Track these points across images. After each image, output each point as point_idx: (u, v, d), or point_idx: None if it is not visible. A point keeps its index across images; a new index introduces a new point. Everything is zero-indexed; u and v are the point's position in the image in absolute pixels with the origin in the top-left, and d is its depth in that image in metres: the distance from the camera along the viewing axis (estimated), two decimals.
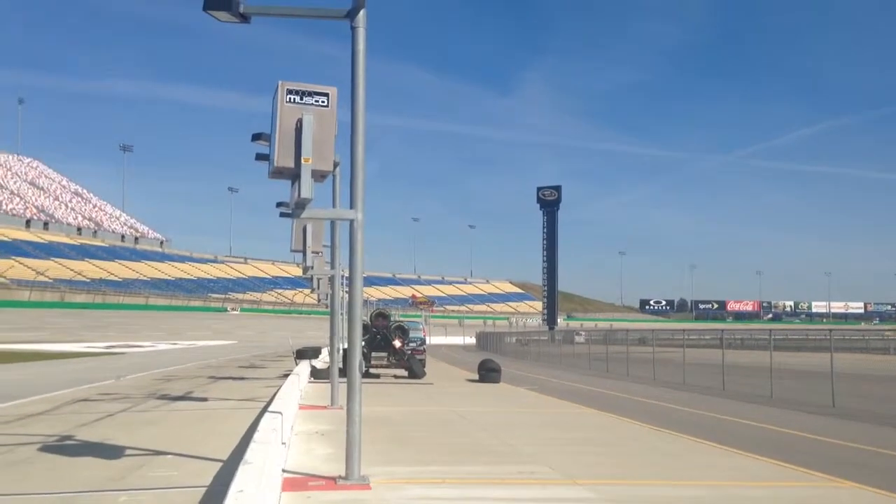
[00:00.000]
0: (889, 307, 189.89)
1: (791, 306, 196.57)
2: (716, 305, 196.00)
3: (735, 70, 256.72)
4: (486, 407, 16.09)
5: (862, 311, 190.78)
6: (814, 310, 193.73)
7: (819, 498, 7.53)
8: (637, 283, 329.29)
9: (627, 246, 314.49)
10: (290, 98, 6.56)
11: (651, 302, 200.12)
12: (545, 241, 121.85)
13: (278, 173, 6.68)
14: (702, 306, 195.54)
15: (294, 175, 6.60)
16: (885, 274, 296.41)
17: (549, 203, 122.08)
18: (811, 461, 9.64)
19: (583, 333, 58.02)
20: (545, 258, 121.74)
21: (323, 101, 6.63)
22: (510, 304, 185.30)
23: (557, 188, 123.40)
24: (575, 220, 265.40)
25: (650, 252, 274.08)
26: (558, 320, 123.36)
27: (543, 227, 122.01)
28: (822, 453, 10.95)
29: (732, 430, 13.71)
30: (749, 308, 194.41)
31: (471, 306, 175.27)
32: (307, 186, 6.51)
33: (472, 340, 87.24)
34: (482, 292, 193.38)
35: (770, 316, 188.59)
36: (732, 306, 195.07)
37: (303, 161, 6.46)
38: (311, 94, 6.61)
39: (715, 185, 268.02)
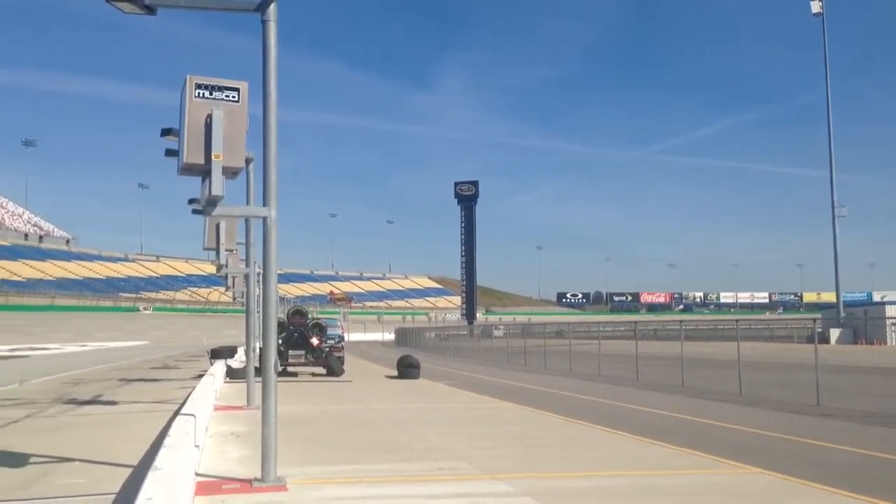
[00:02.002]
0: (792, 296, 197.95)
1: (701, 297, 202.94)
2: (630, 297, 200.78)
3: (645, 67, 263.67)
4: (405, 403, 16.08)
5: (767, 300, 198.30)
6: (722, 300, 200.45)
7: (729, 484, 7.78)
8: (554, 276, 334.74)
9: (544, 240, 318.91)
10: (199, 93, 6.39)
11: (568, 295, 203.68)
12: (463, 236, 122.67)
13: (188, 170, 6.51)
14: (616, 298, 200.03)
15: (204, 172, 6.44)
16: (787, 265, 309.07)
17: (467, 198, 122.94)
18: (721, 448, 9.96)
19: (501, 327, 58.57)
20: (463, 253, 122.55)
21: (233, 97, 6.48)
22: (429, 299, 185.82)
23: (475, 183, 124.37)
24: (493, 215, 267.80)
25: (566, 246, 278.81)
26: (477, 315, 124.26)
27: (461, 223, 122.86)
28: (730, 440, 11.32)
29: (646, 419, 14.06)
30: (661, 300, 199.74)
31: (389, 302, 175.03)
32: (218, 183, 6.36)
33: (391, 336, 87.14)
34: (401, 288, 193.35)
35: (681, 307, 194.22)
36: (646, 298, 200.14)
37: (213, 157, 6.31)
38: (220, 88, 6.45)
39: (628, 180, 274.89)
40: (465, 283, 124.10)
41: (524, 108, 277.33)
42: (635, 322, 31.24)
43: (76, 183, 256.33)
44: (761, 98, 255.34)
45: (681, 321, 27.03)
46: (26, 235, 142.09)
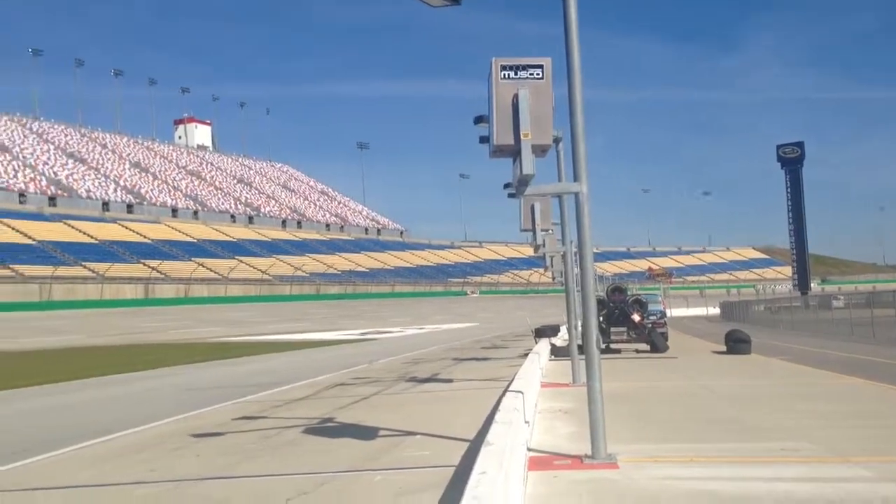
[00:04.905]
0: None
1: None
2: None
3: None
4: (736, 380, 15.22)
5: None
6: None
7: None
8: None
9: (887, 199, 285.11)
10: (504, 74, 6.45)
11: None
12: (789, 202, 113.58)
13: (499, 151, 6.60)
14: None
15: (514, 152, 6.49)
16: None
17: (792, 161, 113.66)
18: None
19: (841, 297, 53.38)
20: (791, 220, 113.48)
21: (538, 74, 6.45)
22: (754, 270, 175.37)
23: (800, 144, 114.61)
24: (819, 177, 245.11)
25: None
26: (811, 285, 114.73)
27: (787, 188, 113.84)
28: None
29: None
30: None
31: (711, 276, 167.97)
32: (528, 162, 6.38)
33: (715, 311, 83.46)
34: (723, 260, 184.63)
35: None
36: None
37: (522, 136, 6.33)
38: (525, 67, 6.45)
39: None
40: (794, 251, 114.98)
41: (842, 59, 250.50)
42: None
43: (404, 178, 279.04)
44: None
45: None
46: (366, 230, 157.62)
